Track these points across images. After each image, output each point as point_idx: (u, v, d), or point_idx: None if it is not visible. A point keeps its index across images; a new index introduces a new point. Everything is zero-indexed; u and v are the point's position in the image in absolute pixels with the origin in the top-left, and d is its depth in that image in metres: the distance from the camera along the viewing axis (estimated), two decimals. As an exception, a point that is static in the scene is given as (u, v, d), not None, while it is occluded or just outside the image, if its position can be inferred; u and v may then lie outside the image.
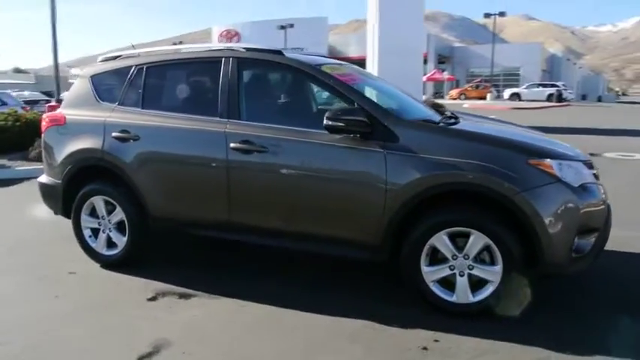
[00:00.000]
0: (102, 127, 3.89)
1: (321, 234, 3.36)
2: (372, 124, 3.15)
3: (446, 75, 48.69)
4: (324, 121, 3.12)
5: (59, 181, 4.09)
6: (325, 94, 3.89)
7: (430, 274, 3.16)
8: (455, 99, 42.94)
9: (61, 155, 4.06)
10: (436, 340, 2.87)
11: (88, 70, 4.25)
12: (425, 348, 2.80)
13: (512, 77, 53.79)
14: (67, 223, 4.73)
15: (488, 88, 45.40)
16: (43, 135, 4.26)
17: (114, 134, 3.82)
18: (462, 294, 3.11)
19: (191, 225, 3.74)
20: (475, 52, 59.47)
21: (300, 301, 3.35)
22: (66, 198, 4.10)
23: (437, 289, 3.17)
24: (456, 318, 3.09)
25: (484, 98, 42.59)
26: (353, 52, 55.19)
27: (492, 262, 3.05)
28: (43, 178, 4.30)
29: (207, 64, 3.75)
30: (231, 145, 3.43)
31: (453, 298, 3.14)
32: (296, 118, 3.57)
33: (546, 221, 2.90)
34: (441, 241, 3.10)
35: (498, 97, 44.16)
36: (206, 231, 3.71)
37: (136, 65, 3.96)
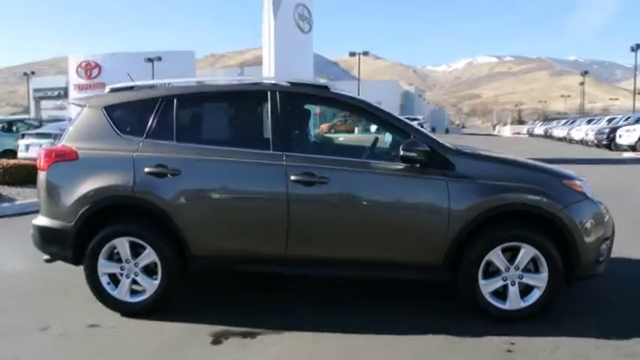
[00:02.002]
0: (130, 162, 3.61)
1: (386, 260, 3.53)
2: (431, 153, 3.46)
3: (317, 109, 51.00)
4: (401, 152, 3.35)
5: (70, 224, 3.66)
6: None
7: (486, 286, 3.51)
8: (326, 133, 45.09)
9: (73, 194, 3.65)
10: (512, 343, 3.21)
11: (98, 100, 3.91)
12: (509, 350, 3.12)
13: (373, 112, 58.06)
14: (48, 271, 4.41)
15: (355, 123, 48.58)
16: (44, 172, 3.77)
17: (147, 169, 3.58)
18: (514, 301, 3.51)
19: (241, 262, 3.62)
20: (339, 88, 63.25)
21: (371, 327, 3.44)
22: (78, 242, 3.68)
23: (492, 299, 3.53)
24: (515, 323, 3.46)
25: (352, 132, 45.40)
26: (223, 87, 55.10)
27: (537, 270, 3.50)
28: (43, 221, 3.80)
29: (250, 96, 3.74)
30: (292, 177, 3.46)
31: (507, 306, 3.52)
32: (348, 149, 3.73)
33: (583, 231, 3.46)
34: (496, 255, 3.48)
35: (365, 130, 47.44)
36: (258, 267, 3.63)
37: (164, 97, 3.77)
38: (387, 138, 4.23)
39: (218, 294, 4.25)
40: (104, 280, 3.69)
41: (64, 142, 3.81)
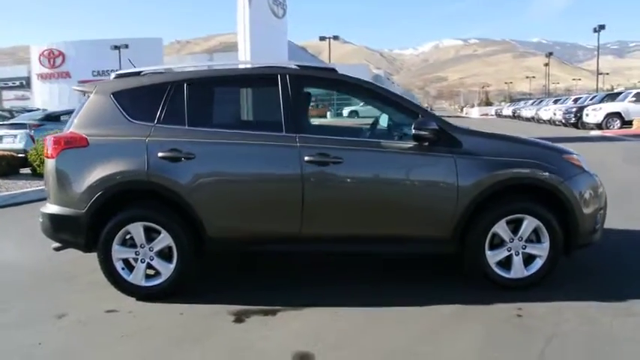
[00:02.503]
0: (143, 147, 3.62)
1: (398, 235, 3.66)
2: (440, 132, 3.59)
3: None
4: (413, 131, 3.47)
5: (82, 211, 3.65)
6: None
7: (492, 257, 3.69)
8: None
9: (85, 181, 3.64)
10: (520, 309, 3.40)
11: (105, 86, 3.88)
12: (519, 315, 3.32)
13: (343, 96, 58.24)
14: (47, 261, 4.59)
15: (327, 107, 48.74)
16: (52, 160, 3.73)
17: (161, 154, 3.59)
18: (519, 270, 3.70)
19: (257, 242, 3.69)
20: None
21: (384, 300, 3.59)
22: (90, 229, 3.68)
23: (498, 269, 3.71)
24: (519, 290, 3.66)
25: (324, 116, 45.53)
26: (192, 73, 54.28)
27: (539, 241, 3.70)
28: (53, 209, 3.76)
29: (260, 80, 3.78)
30: (306, 158, 3.54)
31: (511, 275, 3.71)
32: (356, 130, 3.83)
33: (582, 202, 3.67)
34: (501, 227, 3.65)
35: (338, 114, 47.67)
36: (273, 246, 3.71)
37: (174, 82, 3.78)
38: (382, 120, 4.36)
39: (228, 275, 4.31)
40: (118, 265, 3.71)
41: (72, 129, 3.78)
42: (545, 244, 3.68)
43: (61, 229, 3.78)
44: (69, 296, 3.91)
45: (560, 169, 3.68)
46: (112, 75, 4.00)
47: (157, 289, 3.71)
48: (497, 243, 3.71)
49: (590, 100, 25.24)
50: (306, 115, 3.77)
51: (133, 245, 3.71)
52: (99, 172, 3.63)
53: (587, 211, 3.70)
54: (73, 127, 3.80)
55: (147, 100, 3.79)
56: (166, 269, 3.69)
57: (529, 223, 3.65)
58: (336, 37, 50.57)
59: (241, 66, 3.95)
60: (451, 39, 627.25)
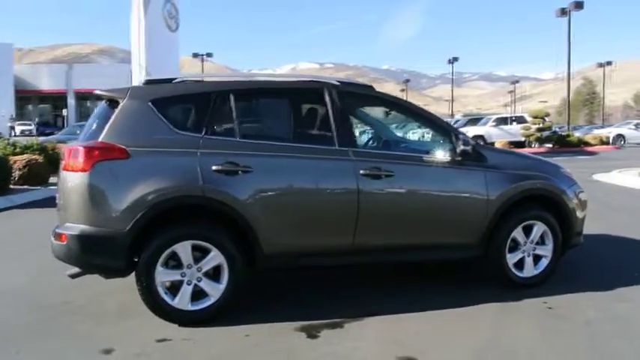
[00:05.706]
0: (195, 160, 3.41)
1: (439, 243, 3.95)
2: (473, 148, 3.98)
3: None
4: (462, 147, 3.80)
5: (123, 230, 3.30)
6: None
7: (510, 259, 4.16)
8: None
9: (127, 197, 3.30)
10: (545, 302, 3.90)
11: (139, 92, 3.55)
12: (549, 307, 3.81)
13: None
14: (34, 288, 4.21)
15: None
16: (83, 174, 3.30)
17: (215, 167, 3.42)
18: (530, 269, 4.22)
19: (309, 255, 3.67)
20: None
21: (435, 304, 3.83)
22: (132, 250, 3.34)
23: (514, 270, 4.19)
24: (538, 286, 4.18)
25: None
26: (46, 85, 49.52)
27: (544, 243, 4.27)
28: (81, 229, 3.32)
29: (307, 94, 3.82)
30: (361, 171, 3.66)
31: (524, 274, 4.21)
32: (400, 144, 4.06)
33: (577, 209, 4.33)
34: (519, 232, 4.15)
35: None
36: (327, 259, 3.73)
37: (217, 92, 3.62)
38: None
39: (260, 291, 4.17)
40: (161, 289, 3.41)
41: (103, 139, 3.40)
42: (550, 246, 4.25)
43: (92, 252, 3.36)
44: (95, 329, 3.48)
45: (562, 181, 4.32)
46: (143, 81, 3.70)
47: (206, 312, 3.49)
48: (513, 246, 4.19)
49: (454, 124, 28.46)
50: (353, 129, 3.89)
51: (177, 266, 3.45)
52: (145, 187, 3.33)
53: (580, 216, 4.38)
54: (103, 136, 3.41)
55: (190, 109, 3.61)
56: (216, 290, 3.49)
57: (539, 228, 4.19)
58: (209, 55, 50.03)
59: (285, 79, 3.93)
60: (308, 62, 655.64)
